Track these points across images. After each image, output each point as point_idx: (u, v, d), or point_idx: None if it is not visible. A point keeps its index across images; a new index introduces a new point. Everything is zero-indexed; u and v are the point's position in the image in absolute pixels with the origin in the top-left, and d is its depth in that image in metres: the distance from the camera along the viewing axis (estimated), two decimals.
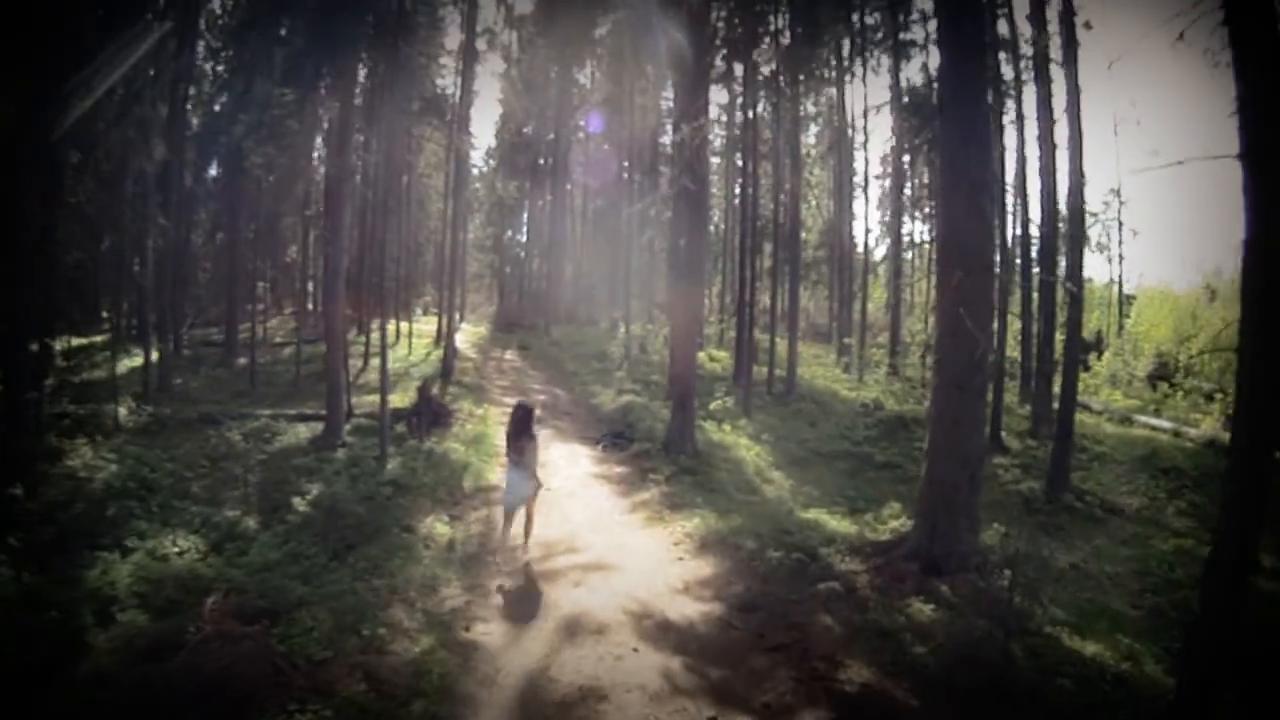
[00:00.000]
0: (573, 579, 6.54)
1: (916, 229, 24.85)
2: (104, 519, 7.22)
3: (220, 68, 18.98)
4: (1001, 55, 15.49)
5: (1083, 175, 12.52)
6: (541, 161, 30.60)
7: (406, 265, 26.19)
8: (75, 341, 14.99)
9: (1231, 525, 3.94)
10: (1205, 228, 46.16)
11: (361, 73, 13.32)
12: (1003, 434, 13.44)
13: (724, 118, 23.33)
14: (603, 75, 28.42)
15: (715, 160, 25.91)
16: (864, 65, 21.07)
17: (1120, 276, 27.02)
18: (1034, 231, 16.76)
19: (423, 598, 5.89)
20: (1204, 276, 24.12)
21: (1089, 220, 18.58)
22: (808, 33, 15.72)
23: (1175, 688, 4.33)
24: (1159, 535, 9.78)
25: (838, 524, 8.17)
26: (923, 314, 22.19)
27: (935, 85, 14.89)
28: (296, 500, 7.86)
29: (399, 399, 12.69)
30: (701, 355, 18.36)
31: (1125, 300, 25.67)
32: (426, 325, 24.20)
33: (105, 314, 19.40)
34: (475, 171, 33.60)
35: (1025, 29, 15.52)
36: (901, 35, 18.84)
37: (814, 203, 25.79)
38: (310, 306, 24.60)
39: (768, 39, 15.77)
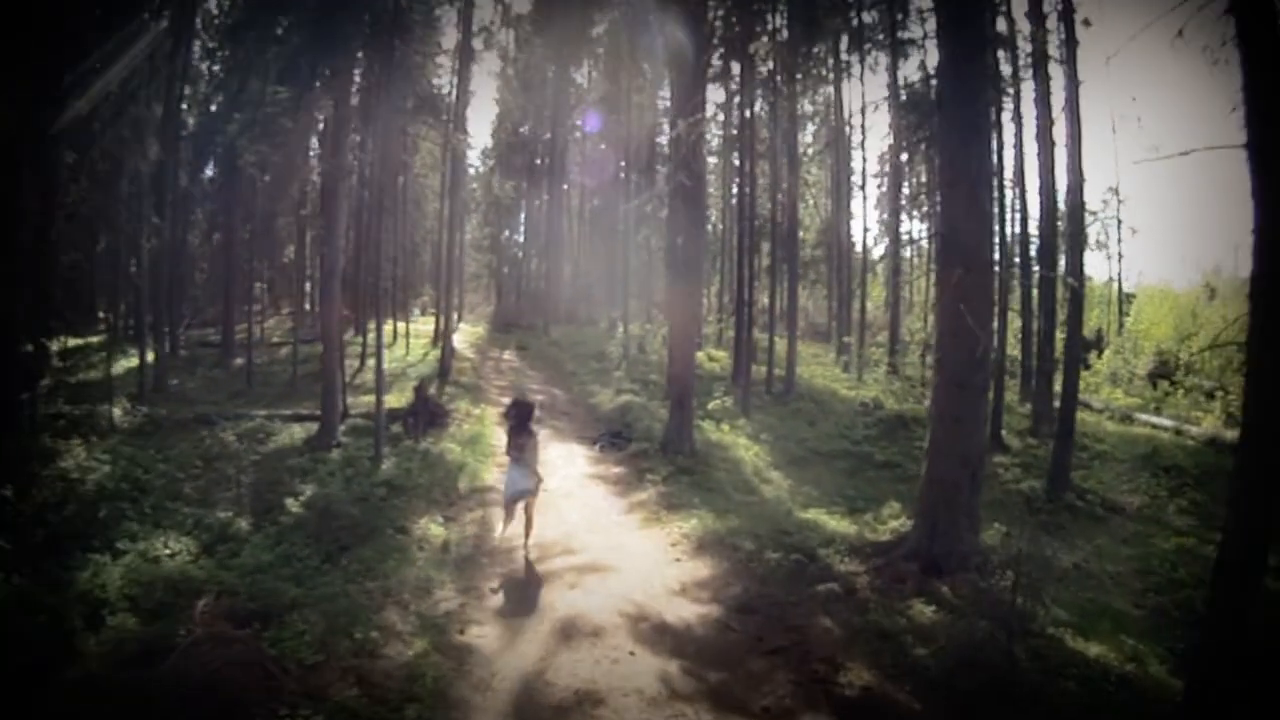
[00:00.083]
0: (569, 580, 6.47)
1: (915, 227, 24.86)
2: (96, 520, 7.12)
3: (216, 67, 18.95)
4: (1000, 52, 15.45)
5: (1082, 173, 12.51)
6: (538, 161, 30.52)
7: (404, 265, 26.11)
8: (71, 342, 14.88)
9: (1240, 523, 3.87)
10: (1204, 226, 46.31)
11: (357, 72, 13.23)
12: (1003, 432, 13.40)
13: (721, 116, 23.26)
14: (599, 74, 28.34)
15: (713, 160, 25.84)
16: (862, 63, 21.03)
17: (1120, 275, 27.02)
18: (1033, 229, 16.74)
19: (416, 600, 5.82)
20: (1203, 275, 24.19)
21: (1088, 218, 18.50)
22: (805, 31, 15.68)
23: (1184, 689, 4.26)
24: (1161, 534, 9.74)
25: (837, 524, 8.10)
26: (922, 312, 22.17)
27: (933, 82, 14.87)
28: (290, 501, 7.79)
29: (396, 399, 12.63)
30: (700, 355, 18.30)
31: (1125, 298, 25.60)
32: (424, 325, 24.15)
33: (101, 314, 19.40)
34: (472, 171, 33.63)
35: (1024, 26, 15.56)
36: (899, 33, 18.78)
37: (812, 201, 25.77)
38: (307, 307, 24.59)
39: (765, 37, 15.71)
